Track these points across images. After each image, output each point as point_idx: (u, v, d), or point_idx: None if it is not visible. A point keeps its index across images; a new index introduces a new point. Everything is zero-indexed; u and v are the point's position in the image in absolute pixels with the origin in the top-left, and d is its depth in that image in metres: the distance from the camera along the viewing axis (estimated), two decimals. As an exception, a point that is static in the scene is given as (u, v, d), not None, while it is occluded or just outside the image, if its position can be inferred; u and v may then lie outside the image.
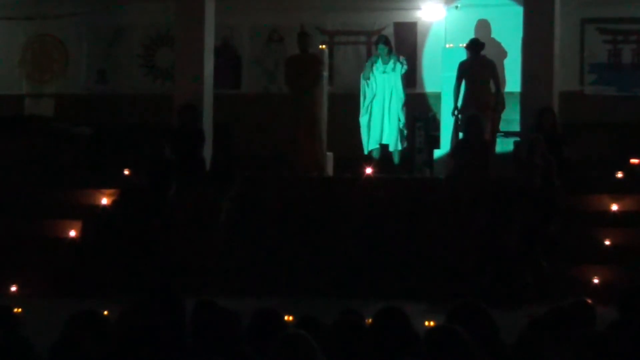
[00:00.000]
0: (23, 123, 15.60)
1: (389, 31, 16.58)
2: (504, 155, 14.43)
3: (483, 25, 16.22)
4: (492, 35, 16.17)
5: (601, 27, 16.25)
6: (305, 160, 14.46)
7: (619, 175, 13.58)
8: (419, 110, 15.75)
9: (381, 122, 14.80)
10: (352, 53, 17.13)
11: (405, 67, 14.83)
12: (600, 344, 4.92)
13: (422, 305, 10.30)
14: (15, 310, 6.74)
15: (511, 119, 15.38)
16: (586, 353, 4.91)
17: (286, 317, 6.36)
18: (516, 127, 14.60)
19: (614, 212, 12.73)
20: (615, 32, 16.24)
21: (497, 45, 16.03)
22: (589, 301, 6.39)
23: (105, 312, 6.18)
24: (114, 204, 13.53)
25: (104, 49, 17.66)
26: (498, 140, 14.81)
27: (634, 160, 14.12)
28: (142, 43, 17.63)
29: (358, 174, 13.82)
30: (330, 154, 15.44)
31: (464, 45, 14.86)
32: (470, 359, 4.75)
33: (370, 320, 5.72)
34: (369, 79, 14.89)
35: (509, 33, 15.43)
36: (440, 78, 15.38)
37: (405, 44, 16.58)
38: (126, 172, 14.25)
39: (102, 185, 13.80)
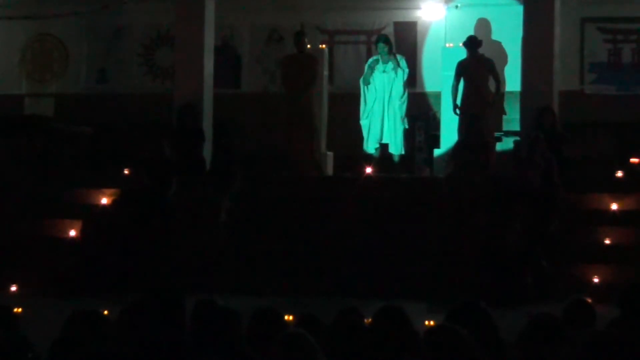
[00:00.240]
0: (23, 123, 15.61)
1: (389, 30, 16.59)
2: (504, 155, 14.44)
3: (483, 25, 16.21)
4: (492, 35, 16.18)
5: (601, 26, 16.26)
6: (302, 160, 14.45)
7: (619, 174, 13.58)
8: (419, 110, 15.75)
9: (381, 122, 14.79)
10: (352, 52, 17.14)
11: (406, 71, 14.82)
12: (600, 343, 4.92)
13: (422, 304, 10.30)
14: (15, 309, 6.75)
15: (511, 118, 15.39)
16: (586, 352, 4.90)
17: (286, 317, 6.35)
18: (516, 127, 14.60)
19: (614, 211, 12.73)
20: (615, 32, 16.24)
21: (497, 44, 16.03)
22: (589, 300, 6.39)
23: (105, 312, 6.18)
24: (114, 203, 13.53)
25: (104, 49, 17.67)
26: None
27: (634, 160, 14.12)
28: (142, 42, 17.64)
29: (358, 173, 13.83)
30: (330, 154, 15.45)
31: (462, 43, 14.86)
32: (470, 359, 4.75)
33: (369, 319, 5.72)
34: (369, 83, 14.88)
35: (509, 32, 15.42)
36: (440, 77, 15.38)
37: (405, 43, 16.59)
38: (126, 171, 14.26)
39: (102, 184, 13.81)
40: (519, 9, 14.33)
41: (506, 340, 5.38)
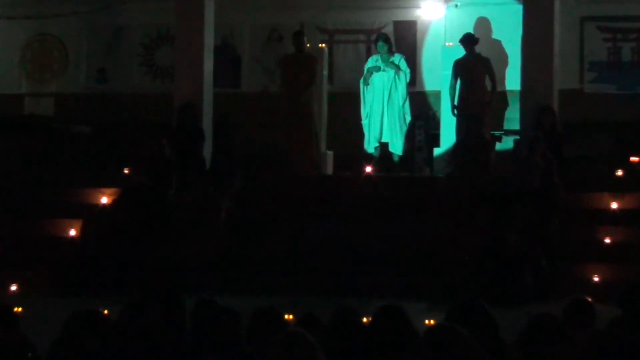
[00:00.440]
0: (23, 122, 15.62)
1: (389, 30, 16.58)
2: (504, 154, 14.43)
3: (483, 24, 16.21)
4: (492, 34, 16.18)
5: (601, 25, 16.25)
6: (302, 159, 14.44)
7: (619, 173, 13.57)
8: (418, 109, 15.74)
9: (380, 120, 14.79)
10: (352, 52, 17.13)
11: (408, 72, 14.81)
12: (600, 343, 4.92)
13: (422, 304, 10.31)
14: (15, 309, 6.75)
15: (511, 117, 15.39)
16: (587, 352, 4.90)
17: (286, 316, 6.36)
18: (516, 126, 14.60)
19: (614, 210, 12.72)
20: (615, 30, 16.23)
21: (497, 43, 16.03)
22: (589, 299, 6.40)
23: (105, 311, 6.18)
24: (114, 203, 13.53)
25: (103, 48, 17.66)
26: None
27: (634, 158, 14.12)
28: (142, 42, 17.63)
29: (358, 173, 13.83)
30: (330, 153, 15.45)
31: (458, 40, 14.86)
32: (471, 358, 4.74)
33: (369, 318, 5.72)
34: (368, 84, 14.87)
35: (509, 31, 15.42)
36: (440, 76, 15.36)
37: (404, 42, 16.58)
38: (126, 171, 14.25)
39: (102, 184, 13.80)
40: (519, 7, 14.33)
41: (506, 340, 5.39)
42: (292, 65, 14.80)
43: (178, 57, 15.07)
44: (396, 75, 14.76)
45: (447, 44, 15.84)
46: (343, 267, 12.11)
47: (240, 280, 11.83)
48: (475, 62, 14.61)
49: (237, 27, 17.33)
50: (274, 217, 13.01)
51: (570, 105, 14.89)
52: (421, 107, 16.00)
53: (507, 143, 14.87)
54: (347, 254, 12.29)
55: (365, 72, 14.96)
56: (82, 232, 13.10)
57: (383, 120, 14.78)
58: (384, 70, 14.78)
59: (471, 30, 15.58)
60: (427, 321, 7.32)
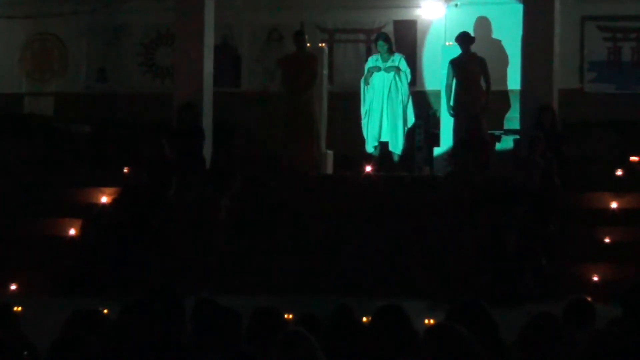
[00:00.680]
0: (23, 122, 15.62)
1: (389, 29, 16.58)
2: (504, 154, 14.43)
3: (483, 23, 16.21)
4: (492, 33, 16.18)
5: (601, 24, 16.25)
6: (302, 159, 14.44)
7: (619, 173, 13.57)
8: (419, 109, 15.73)
9: (380, 120, 14.78)
10: (352, 51, 17.13)
11: (408, 72, 14.80)
12: (601, 342, 4.92)
13: (422, 303, 10.30)
14: (15, 308, 6.75)
15: (511, 116, 15.39)
16: (586, 351, 4.90)
17: (286, 316, 6.36)
18: (516, 125, 14.60)
19: (614, 210, 12.72)
20: (615, 30, 16.24)
21: (497, 43, 16.03)
22: (589, 299, 6.39)
23: (105, 311, 6.18)
24: (114, 202, 13.52)
25: (103, 48, 17.66)
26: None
27: (633, 158, 14.12)
28: (142, 42, 17.63)
29: (358, 172, 13.83)
30: (330, 152, 15.44)
31: (454, 38, 14.86)
32: (470, 358, 4.75)
33: (369, 318, 5.72)
34: (369, 84, 14.87)
35: (509, 31, 15.42)
36: (440, 76, 15.35)
37: (405, 42, 16.58)
38: (126, 170, 14.25)
39: (102, 183, 13.79)
40: (519, 7, 14.32)
41: (506, 340, 5.39)
42: (293, 64, 14.80)
43: (178, 56, 15.06)
44: (396, 76, 14.75)
45: (447, 43, 15.83)
46: (343, 266, 12.10)
47: (240, 280, 11.82)
48: (471, 62, 14.60)
49: (237, 26, 17.33)
50: (274, 217, 13.01)
51: (570, 105, 14.89)
52: (421, 107, 15.99)
53: (507, 143, 14.86)
54: (347, 253, 12.29)
55: (365, 71, 14.95)
56: (82, 231, 13.10)
57: (382, 120, 14.77)
58: (384, 71, 14.77)
59: (471, 30, 15.57)
60: (427, 321, 7.31)
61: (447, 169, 14.22)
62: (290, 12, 16.74)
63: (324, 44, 16.31)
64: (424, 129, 15.84)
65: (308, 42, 15.16)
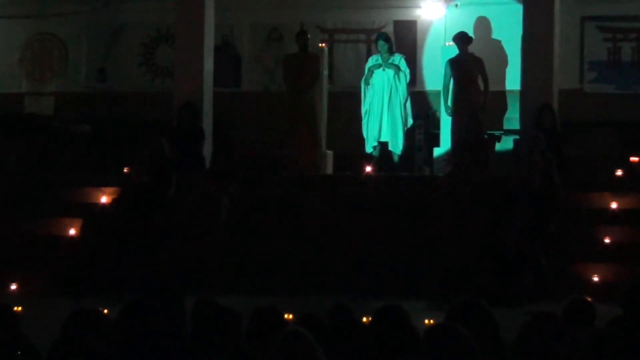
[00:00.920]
0: (23, 121, 15.61)
1: (389, 29, 16.58)
2: (504, 154, 14.43)
3: (483, 23, 16.22)
4: (492, 34, 16.18)
5: (601, 25, 16.26)
6: (303, 158, 14.44)
7: (619, 173, 13.58)
8: (418, 109, 15.74)
9: (379, 120, 14.78)
10: (352, 51, 17.14)
11: (407, 72, 14.79)
12: (600, 342, 4.92)
13: (422, 303, 10.30)
14: (15, 308, 6.75)
15: (511, 117, 15.39)
16: (586, 351, 4.90)
17: (286, 316, 6.36)
18: (516, 125, 14.60)
19: (614, 210, 12.73)
20: (615, 30, 16.24)
21: (497, 43, 16.04)
22: (589, 299, 6.39)
23: (105, 311, 6.18)
24: (114, 202, 13.53)
25: (103, 48, 17.67)
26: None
27: (634, 158, 14.12)
28: (142, 41, 17.64)
29: (358, 172, 13.83)
30: (330, 153, 15.44)
31: (452, 38, 14.85)
32: (470, 358, 4.75)
33: (369, 318, 5.72)
34: (369, 84, 14.87)
35: (509, 31, 15.43)
36: (440, 76, 15.36)
37: (405, 42, 16.58)
38: (126, 170, 14.25)
39: (102, 183, 13.80)
40: (519, 7, 14.33)
41: (506, 339, 5.39)
42: (296, 64, 14.80)
43: (178, 56, 15.06)
44: (396, 76, 14.75)
45: (447, 43, 15.84)
46: (343, 266, 12.10)
47: (240, 280, 11.82)
48: (469, 62, 14.61)
49: (237, 26, 17.33)
50: (274, 217, 13.01)
51: (570, 105, 14.90)
52: (421, 107, 16.01)
53: (506, 143, 14.86)
54: (347, 253, 12.29)
55: (366, 71, 14.95)
56: (82, 231, 13.11)
57: (382, 120, 14.77)
58: (384, 70, 14.76)
59: (471, 30, 15.58)
60: (427, 321, 7.32)
61: (447, 169, 14.22)
62: (291, 12, 16.75)
63: (323, 44, 16.32)
64: (424, 129, 15.84)
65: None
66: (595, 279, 11.67)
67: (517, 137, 14.32)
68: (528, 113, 13.80)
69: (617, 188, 13.04)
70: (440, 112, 15.50)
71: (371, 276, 11.83)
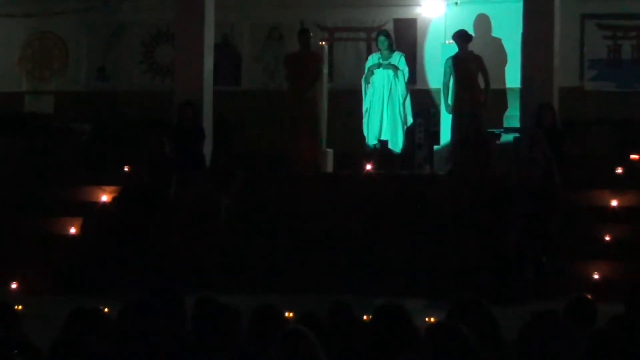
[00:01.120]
0: (23, 120, 15.61)
1: (389, 27, 16.56)
2: (504, 152, 14.42)
3: (483, 21, 16.20)
4: (492, 32, 16.17)
5: (601, 22, 16.24)
6: (303, 158, 14.43)
7: (619, 171, 13.57)
8: (419, 107, 15.73)
9: (380, 118, 14.78)
10: (352, 49, 17.12)
11: (406, 71, 14.78)
12: (601, 340, 4.92)
13: (422, 301, 10.30)
14: (16, 307, 6.75)
15: (511, 115, 15.38)
16: (588, 349, 4.90)
17: (287, 314, 6.36)
18: (516, 123, 14.59)
19: (614, 208, 12.73)
20: (615, 28, 16.22)
21: (497, 41, 16.02)
22: (590, 297, 6.39)
23: (106, 309, 6.18)
24: (114, 201, 13.53)
25: (104, 46, 17.65)
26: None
27: (634, 156, 14.11)
28: (142, 40, 17.62)
29: (358, 170, 13.82)
30: (330, 151, 15.44)
31: (451, 36, 14.84)
32: (471, 356, 4.75)
33: (369, 316, 5.72)
34: (369, 83, 14.86)
35: (509, 29, 15.41)
36: (440, 74, 15.35)
37: (405, 40, 16.56)
38: (126, 169, 14.25)
39: (102, 182, 13.80)
40: (519, 5, 14.31)
41: (507, 338, 5.38)
42: (298, 62, 14.80)
43: (178, 55, 15.06)
44: (395, 75, 14.75)
45: (447, 41, 15.81)
46: (344, 264, 12.10)
47: (240, 279, 11.82)
48: (469, 60, 14.59)
49: (237, 25, 17.32)
50: (274, 216, 13.00)
51: (570, 103, 14.89)
52: (421, 105, 15.99)
53: (506, 139, 14.86)
54: (347, 252, 12.29)
55: (366, 70, 14.95)
56: (83, 230, 13.11)
57: (383, 118, 14.77)
58: (384, 68, 14.75)
59: (471, 28, 15.57)
60: (427, 319, 7.32)
61: (447, 167, 14.22)
62: (291, 11, 16.74)
63: (324, 43, 16.31)
64: (424, 127, 15.83)
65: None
66: (596, 276, 11.67)
67: (517, 135, 14.31)
68: (528, 111, 13.79)
69: (617, 186, 13.04)
70: (440, 110, 15.48)
71: (371, 274, 11.82)
